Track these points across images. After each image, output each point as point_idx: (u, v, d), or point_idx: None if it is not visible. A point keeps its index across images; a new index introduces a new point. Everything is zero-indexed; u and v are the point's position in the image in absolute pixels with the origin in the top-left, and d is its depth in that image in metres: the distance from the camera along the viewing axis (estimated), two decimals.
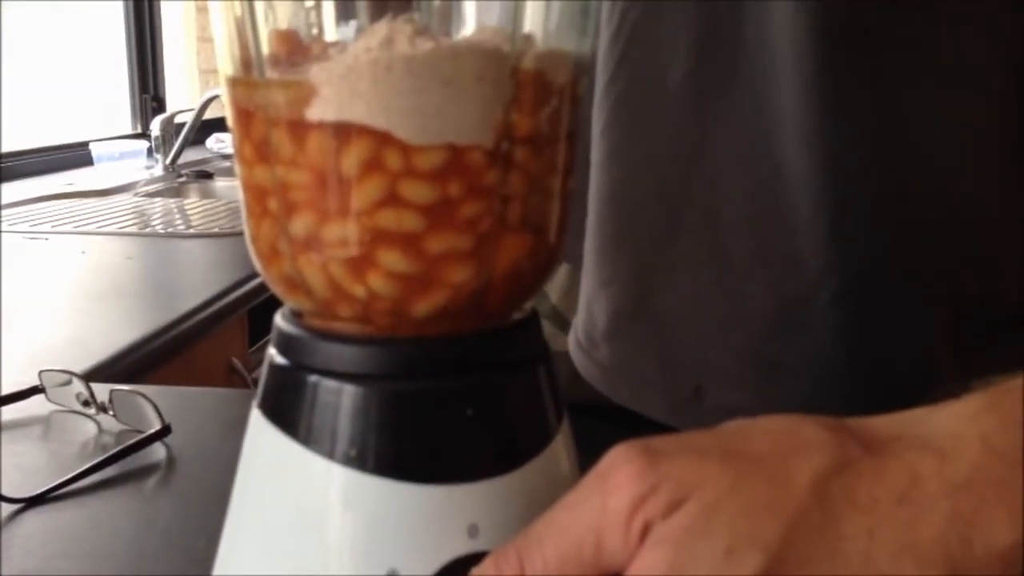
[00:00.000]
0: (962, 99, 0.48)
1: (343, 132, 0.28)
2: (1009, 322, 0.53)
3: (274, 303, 0.33)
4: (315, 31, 0.30)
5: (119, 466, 0.57)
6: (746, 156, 0.51)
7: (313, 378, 0.30)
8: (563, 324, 0.65)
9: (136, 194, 1.94)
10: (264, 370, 0.32)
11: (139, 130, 2.45)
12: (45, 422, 0.66)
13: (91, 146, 2.15)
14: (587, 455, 0.35)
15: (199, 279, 1.31)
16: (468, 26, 0.31)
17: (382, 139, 0.28)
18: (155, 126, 2.16)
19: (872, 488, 0.27)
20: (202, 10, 2.84)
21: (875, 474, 0.28)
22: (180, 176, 2.13)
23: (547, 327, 0.66)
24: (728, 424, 0.31)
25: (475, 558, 0.29)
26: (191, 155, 2.28)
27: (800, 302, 0.51)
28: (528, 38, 0.29)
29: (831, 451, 0.28)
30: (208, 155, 2.42)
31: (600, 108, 0.54)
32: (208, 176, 2.16)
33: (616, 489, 0.28)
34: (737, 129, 0.50)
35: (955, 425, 0.29)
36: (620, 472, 0.28)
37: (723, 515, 0.27)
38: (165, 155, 2.14)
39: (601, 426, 0.58)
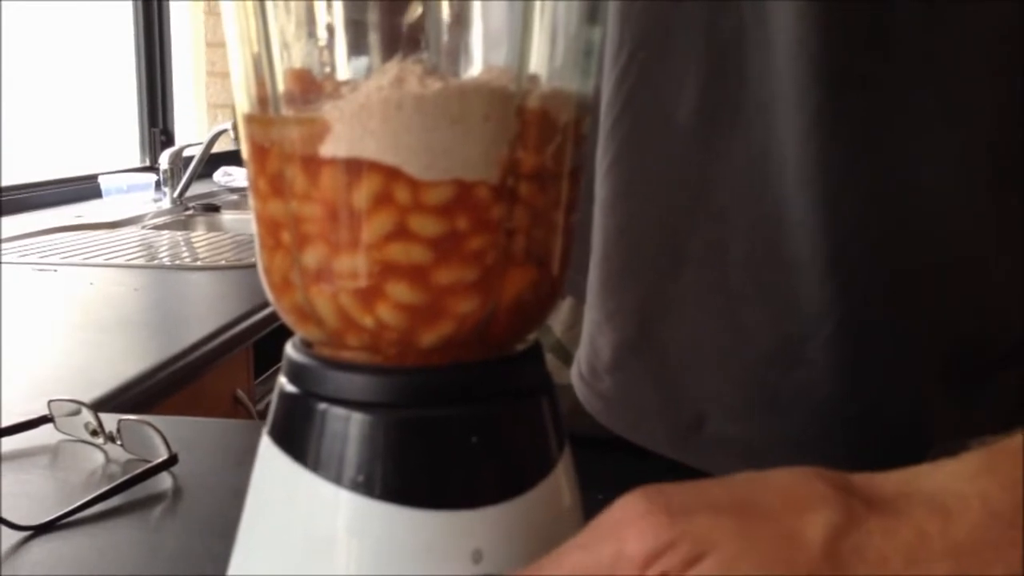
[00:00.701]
0: (956, 144, 0.49)
1: (354, 168, 0.29)
2: (1002, 361, 0.54)
3: (279, 336, 0.34)
4: (328, 70, 0.31)
5: (126, 495, 0.58)
6: (750, 194, 0.52)
7: (322, 406, 0.31)
8: (567, 358, 0.66)
9: (144, 227, 1.95)
10: (274, 398, 0.33)
11: (148, 163, 2.47)
12: (53, 451, 0.66)
13: (100, 179, 2.17)
14: (588, 485, 0.35)
15: (205, 311, 1.32)
16: (475, 66, 0.32)
17: (392, 174, 0.29)
18: (163, 159, 2.19)
19: (881, 546, 0.28)
20: (211, 45, 2.87)
21: (884, 533, 0.29)
22: (187, 209, 2.15)
23: (551, 360, 0.67)
24: (739, 476, 0.32)
25: None
26: (198, 188, 2.30)
27: (799, 338, 0.52)
28: (533, 78, 0.30)
29: (840, 508, 0.29)
30: (215, 188, 2.45)
31: (606, 146, 0.56)
32: (215, 209, 2.18)
33: (634, 538, 0.28)
34: (742, 167, 0.52)
35: (956, 484, 0.30)
36: (639, 522, 0.29)
37: (740, 573, 0.28)
38: (173, 188, 2.16)
39: (602, 457, 0.59)
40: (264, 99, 0.31)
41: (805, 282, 0.51)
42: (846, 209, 0.49)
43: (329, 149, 0.29)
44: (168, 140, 2.49)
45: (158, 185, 2.20)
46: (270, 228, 0.32)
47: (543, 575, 0.29)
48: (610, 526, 0.29)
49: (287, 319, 0.33)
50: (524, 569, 0.29)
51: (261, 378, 1.31)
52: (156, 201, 2.17)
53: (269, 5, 0.30)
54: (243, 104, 0.32)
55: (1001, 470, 0.30)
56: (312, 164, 0.30)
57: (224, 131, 2.22)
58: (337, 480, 0.30)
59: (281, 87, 0.31)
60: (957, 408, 0.54)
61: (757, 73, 0.50)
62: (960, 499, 0.29)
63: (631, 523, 0.29)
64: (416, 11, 0.31)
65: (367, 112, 0.29)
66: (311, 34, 0.31)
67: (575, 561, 0.29)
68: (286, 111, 0.31)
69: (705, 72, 0.51)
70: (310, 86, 0.31)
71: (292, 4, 0.31)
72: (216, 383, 1.14)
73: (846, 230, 0.50)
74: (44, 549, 0.52)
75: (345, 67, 0.31)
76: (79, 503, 0.55)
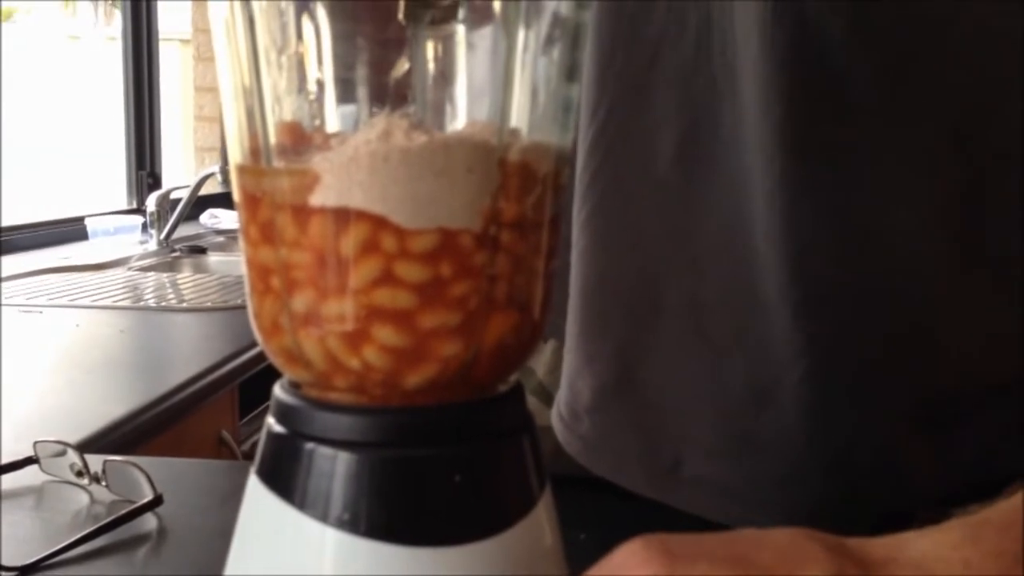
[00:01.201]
0: (921, 204, 0.51)
1: (343, 216, 0.30)
2: (976, 404, 0.55)
3: (264, 377, 0.35)
4: (317, 122, 0.32)
5: (111, 535, 0.58)
6: (724, 244, 0.54)
7: (309, 445, 0.32)
8: (549, 399, 0.67)
9: (130, 268, 1.96)
10: (262, 437, 0.34)
11: (135, 206, 2.48)
12: (38, 492, 0.66)
13: (87, 221, 2.18)
14: (570, 524, 0.36)
15: (191, 352, 1.33)
16: (459, 119, 0.33)
17: (379, 223, 0.30)
18: (151, 202, 2.20)
19: None
20: (200, 89, 2.90)
21: None
22: (174, 251, 2.16)
23: (533, 402, 0.68)
24: (738, 532, 0.33)
25: None
26: (185, 230, 2.31)
27: (772, 382, 0.54)
28: (514, 132, 0.32)
29: (833, 568, 0.31)
30: (202, 230, 2.46)
31: (584, 198, 0.57)
32: (202, 251, 2.19)
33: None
34: (716, 219, 0.54)
35: (941, 551, 0.32)
36: (640, 568, 0.30)
37: None
38: (160, 230, 2.17)
39: (584, 496, 0.60)
40: (256, 151, 0.32)
41: (775, 327, 0.53)
42: (812, 264, 0.51)
43: (318, 199, 0.31)
44: (155, 183, 2.51)
45: (145, 227, 2.21)
46: (260, 273, 0.33)
47: None
48: (613, 569, 0.30)
49: (276, 361, 0.34)
50: None
51: (246, 419, 1.31)
52: (143, 243, 2.18)
53: (263, 60, 0.32)
54: (236, 155, 0.33)
55: (983, 540, 0.32)
56: (302, 213, 0.31)
57: (211, 174, 2.23)
58: (323, 518, 0.31)
59: (273, 139, 0.32)
60: (932, 449, 0.56)
61: (728, 131, 0.52)
62: (945, 564, 0.31)
63: (632, 568, 0.30)
64: (403, 67, 0.33)
65: (355, 164, 0.30)
66: (302, 88, 0.32)
67: None
68: (277, 162, 0.32)
69: (681, 128, 0.54)
70: (300, 139, 0.32)
71: (284, 59, 0.32)
72: (201, 424, 1.14)
73: (812, 283, 0.52)
74: None
75: (334, 120, 0.33)
76: (65, 544, 0.56)
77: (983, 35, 0.49)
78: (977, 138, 0.51)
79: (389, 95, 0.32)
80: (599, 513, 0.60)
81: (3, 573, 0.53)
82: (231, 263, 2.11)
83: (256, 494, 0.33)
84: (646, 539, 0.31)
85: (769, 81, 0.49)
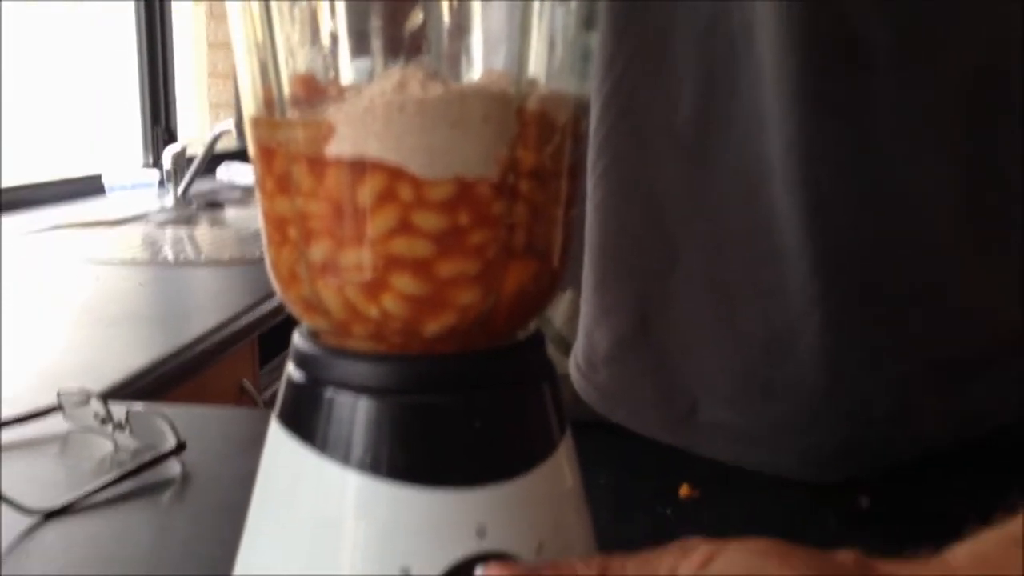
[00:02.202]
0: (934, 160, 0.52)
1: (359, 167, 0.31)
2: (990, 356, 0.56)
3: (284, 328, 0.35)
4: (332, 74, 0.33)
5: (135, 481, 0.59)
6: (742, 195, 0.54)
7: (329, 392, 0.32)
8: (567, 349, 0.67)
9: (148, 223, 1.97)
10: (282, 384, 0.34)
11: (151, 162, 2.48)
12: (63, 440, 0.68)
13: (104, 177, 2.19)
14: (591, 467, 0.37)
15: (210, 305, 1.34)
16: (476, 69, 0.33)
17: (395, 173, 0.30)
18: (167, 158, 2.20)
19: None
20: (213, 47, 2.89)
21: None
22: (191, 206, 2.17)
23: (552, 351, 0.69)
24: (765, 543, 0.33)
25: (484, 558, 0.31)
26: (202, 185, 2.32)
27: (788, 332, 0.54)
28: (532, 81, 0.32)
29: None
30: (218, 185, 2.46)
31: (600, 151, 0.57)
32: (218, 206, 2.20)
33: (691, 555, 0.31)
34: (735, 172, 0.54)
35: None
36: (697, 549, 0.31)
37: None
38: (176, 186, 2.18)
39: (603, 440, 0.61)
40: (270, 102, 0.32)
41: (793, 279, 0.53)
42: (829, 214, 0.52)
43: (334, 150, 0.31)
44: (171, 138, 2.51)
45: (161, 183, 2.21)
46: (277, 225, 0.33)
47: (614, 562, 0.31)
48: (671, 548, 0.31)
49: (294, 310, 0.34)
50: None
51: (267, 368, 1.32)
52: (159, 198, 2.18)
53: (275, 13, 0.32)
54: (250, 107, 0.33)
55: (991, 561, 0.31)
56: (317, 164, 0.31)
57: (227, 131, 2.23)
58: (344, 461, 0.31)
59: (287, 91, 0.32)
60: (947, 399, 0.56)
61: (747, 87, 0.52)
62: None
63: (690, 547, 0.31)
64: (418, 18, 0.33)
65: (371, 115, 0.30)
66: (315, 41, 0.33)
67: (646, 558, 0.31)
68: (292, 114, 0.32)
69: (699, 82, 0.54)
70: (315, 91, 0.32)
71: (297, 12, 0.32)
72: (222, 374, 1.15)
73: (829, 233, 0.52)
74: (56, 533, 0.53)
75: (348, 72, 0.33)
76: (90, 489, 0.57)
77: None
78: (991, 100, 0.51)
79: (404, 46, 0.32)
80: (620, 457, 0.61)
81: (30, 516, 0.54)
82: (248, 217, 2.12)
83: (277, 439, 0.34)
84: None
85: (786, 39, 0.49)
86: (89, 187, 2.20)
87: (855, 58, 0.49)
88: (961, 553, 0.32)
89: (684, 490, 0.56)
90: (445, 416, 0.32)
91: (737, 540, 0.32)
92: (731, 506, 0.56)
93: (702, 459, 0.59)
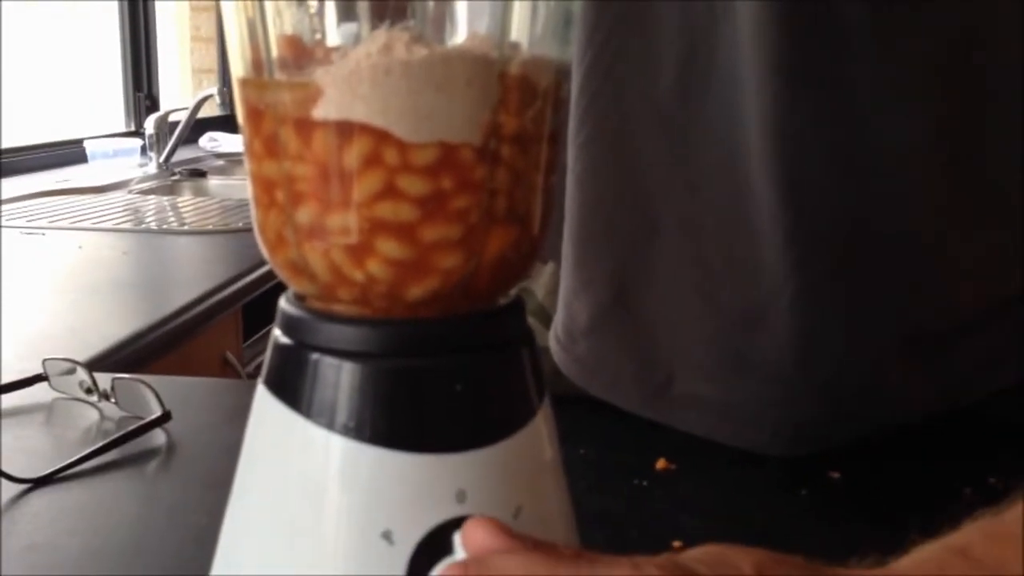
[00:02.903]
0: (909, 132, 0.52)
1: (345, 130, 0.31)
2: (963, 328, 0.56)
3: (268, 299, 0.35)
4: (318, 36, 0.32)
5: (121, 450, 0.60)
6: (720, 168, 0.54)
7: (315, 356, 0.32)
8: (548, 321, 0.68)
9: (130, 191, 1.96)
10: (269, 349, 0.34)
11: (133, 128, 2.46)
12: (48, 409, 0.68)
13: (86, 144, 2.17)
14: (570, 440, 0.37)
15: (194, 275, 1.34)
16: (460, 34, 0.33)
17: (381, 137, 0.30)
18: (149, 124, 2.18)
19: None
20: (196, 10, 2.85)
21: None
22: (174, 174, 2.15)
23: (533, 324, 0.69)
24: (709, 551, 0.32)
25: (463, 521, 0.31)
26: (184, 153, 2.30)
27: (762, 305, 0.55)
28: (514, 45, 0.32)
29: None
30: (201, 154, 2.44)
31: (581, 121, 0.58)
32: (201, 174, 2.18)
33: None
34: (713, 144, 0.54)
35: None
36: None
37: None
38: (159, 153, 2.16)
39: (582, 414, 0.61)
40: (259, 63, 0.32)
41: (767, 252, 0.53)
42: (802, 187, 0.52)
43: (321, 112, 0.31)
44: (153, 105, 2.48)
45: (144, 150, 2.20)
46: (265, 187, 0.33)
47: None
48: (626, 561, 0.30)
49: (281, 274, 0.34)
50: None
51: (249, 341, 1.32)
52: (142, 166, 2.17)
53: None
54: (238, 68, 0.33)
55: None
56: (305, 126, 0.31)
57: (209, 96, 2.21)
58: (329, 425, 0.32)
59: (275, 52, 0.32)
60: (920, 372, 0.57)
61: (725, 58, 0.52)
62: None
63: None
64: None
65: (357, 77, 0.30)
66: (302, 1, 0.32)
67: (604, 560, 0.30)
68: (280, 75, 0.32)
69: (680, 53, 0.54)
70: (301, 52, 0.32)
71: None
72: (206, 346, 1.15)
73: (802, 205, 0.52)
74: (43, 501, 0.54)
75: (335, 34, 0.32)
76: (76, 457, 0.57)
77: None
78: (968, 71, 0.51)
79: (390, 9, 0.32)
80: (598, 431, 0.62)
81: (15, 485, 0.54)
82: (231, 187, 2.11)
83: (264, 404, 0.34)
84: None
85: (763, 10, 0.49)
86: (70, 154, 2.18)
87: (832, 31, 0.50)
88: (904, 563, 0.32)
89: (661, 463, 0.57)
90: (427, 379, 0.32)
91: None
92: (706, 479, 0.56)
93: (679, 433, 0.60)
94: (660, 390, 0.60)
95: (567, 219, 0.61)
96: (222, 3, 0.33)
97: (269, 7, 0.32)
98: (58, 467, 0.56)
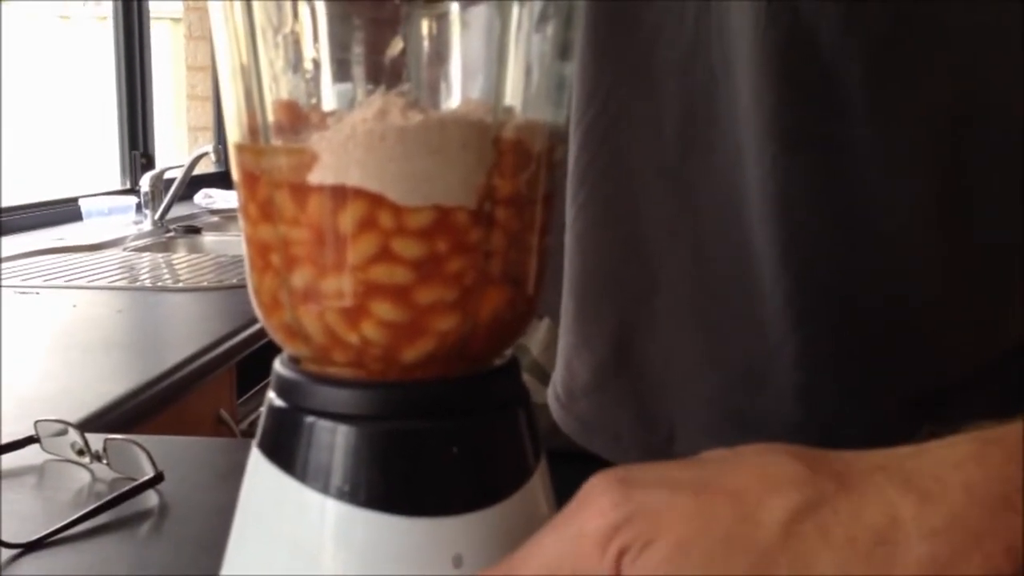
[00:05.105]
0: (906, 194, 0.52)
1: (340, 194, 0.31)
2: (964, 385, 0.56)
3: (262, 356, 0.35)
4: (314, 101, 0.33)
5: (113, 513, 0.59)
6: (722, 226, 0.55)
7: (309, 419, 0.32)
8: (544, 377, 0.68)
9: (125, 248, 1.96)
10: (263, 411, 0.34)
11: (128, 186, 2.48)
12: (40, 471, 0.67)
13: (81, 202, 2.17)
14: (566, 496, 0.37)
15: (188, 332, 1.33)
16: (454, 98, 0.34)
17: (376, 201, 0.31)
18: (144, 182, 2.19)
19: (849, 527, 0.28)
20: (192, 69, 2.89)
21: (852, 512, 0.28)
22: (168, 231, 2.16)
23: (529, 380, 0.69)
24: (708, 454, 0.32)
25: None
26: (179, 210, 2.31)
27: (764, 362, 0.55)
28: (508, 110, 0.32)
29: (806, 488, 0.29)
30: (196, 210, 2.45)
31: (581, 180, 0.58)
32: (196, 231, 2.19)
33: (592, 517, 0.29)
34: (714, 202, 0.55)
35: (940, 470, 0.29)
36: (597, 500, 0.29)
37: (695, 552, 0.28)
38: (154, 211, 2.17)
39: (580, 470, 0.61)
40: (255, 129, 0.33)
41: (768, 309, 0.54)
42: (802, 248, 0.53)
43: (316, 177, 0.31)
44: (149, 163, 2.50)
45: (139, 207, 2.20)
46: (260, 251, 0.33)
47: (515, 561, 0.30)
48: (573, 506, 0.30)
49: (276, 336, 0.34)
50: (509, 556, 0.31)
51: (244, 398, 1.32)
52: (137, 223, 2.17)
53: (259, 38, 0.32)
54: (234, 134, 0.34)
55: (989, 461, 0.29)
56: (300, 191, 0.31)
57: (205, 154, 2.23)
58: (324, 489, 0.31)
59: (271, 118, 0.32)
60: (920, 430, 0.57)
61: (725, 120, 0.53)
62: (941, 483, 0.29)
63: (591, 502, 0.30)
64: (398, 46, 0.33)
65: (352, 143, 0.31)
66: (298, 68, 0.33)
67: (544, 544, 0.30)
68: (275, 141, 0.32)
69: (680, 114, 0.54)
70: (297, 117, 0.32)
71: (280, 39, 0.32)
72: (199, 403, 1.14)
73: (802, 265, 0.53)
74: (33, 566, 0.53)
75: (331, 98, 0.33)
76: (67, 521, 0.56)
77: (973, 37, 0.50)
78: (964, 135, 0.52)
79: (384, 74, 0.32)
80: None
81: (6, 550, 0.54)
82: (226, 243, 2.11)
83: (258, 467, 0.34)
84: (606, 471, 0.30)
85: (762, 76, 0.50)
86: (66, 212, 2.19)
87: (830, 92, 0.50)
88: (932, 445, 0.30)
89: None
90: (423, 441, 0.32)
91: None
92: None
93: None
94: (662, 448, 0.59)
95: (566, 277, 0.61)
96: (219, 71, 0.34)
97: (265, 73, 0.32)
98: (49, 531, 0.56)
